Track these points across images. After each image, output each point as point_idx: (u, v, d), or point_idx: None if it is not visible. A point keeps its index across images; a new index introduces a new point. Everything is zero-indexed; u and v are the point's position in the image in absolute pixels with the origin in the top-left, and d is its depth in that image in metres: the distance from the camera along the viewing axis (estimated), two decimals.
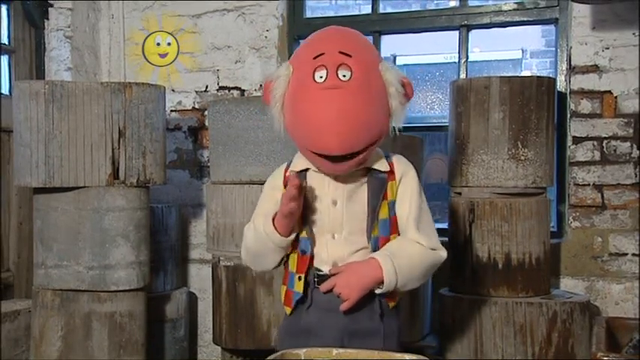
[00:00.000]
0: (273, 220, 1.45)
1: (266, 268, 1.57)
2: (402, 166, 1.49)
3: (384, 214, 1.45)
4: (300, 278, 1.48)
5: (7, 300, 2.69)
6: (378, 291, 1.44)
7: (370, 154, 1.42)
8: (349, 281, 1.42)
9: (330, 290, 1.44)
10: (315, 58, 1.37)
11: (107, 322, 2.31)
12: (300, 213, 1.46)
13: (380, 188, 1.45)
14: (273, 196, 1.52)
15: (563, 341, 2.19)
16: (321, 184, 1.47)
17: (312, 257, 1.48)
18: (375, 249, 1.45)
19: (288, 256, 1.53)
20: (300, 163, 1.49)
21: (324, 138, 1.35)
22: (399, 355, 1.30)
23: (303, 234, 1.48)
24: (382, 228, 1.46)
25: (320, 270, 1.48)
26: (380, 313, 1.48)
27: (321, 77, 1.35)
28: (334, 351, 1.31)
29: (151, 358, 2.54)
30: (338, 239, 1.46)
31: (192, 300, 3.07)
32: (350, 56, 1.36)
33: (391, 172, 1.47)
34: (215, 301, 2.52)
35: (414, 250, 1.45)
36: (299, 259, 1.49)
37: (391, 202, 1.46)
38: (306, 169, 1.48)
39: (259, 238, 1.49)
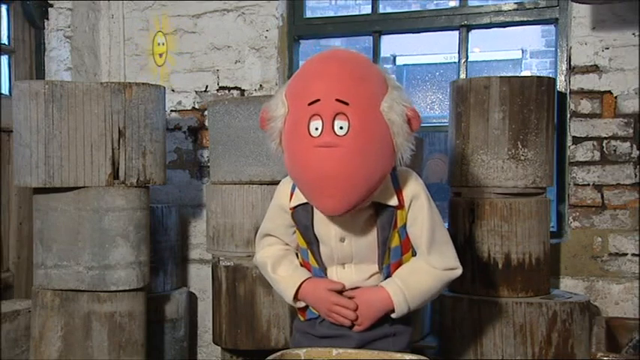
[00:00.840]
0: (300, 285, 1.49)
1: None
2: (410, 190, 1.44)
3: (395, 242, 1.45)
4: None
5: (7, 300, 2.69)
6: (392, 315, 1.47)
7: (373, 196, 1.37)
8: (361, 312, 1.45)
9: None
10: (310, 104, 1.28)
11: (107, 323, 2.30)
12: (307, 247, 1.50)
13: (389, 221, 1.42)
14: (281, 215, 1.53)
15: (562, 341, 2.19)
16: (327, 220, 1.44)
17: None
18: (388, 275, 1.47)
19: None
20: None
21: (320, 199, 1.31)
22: (398, 355, 1.30)
23: (315, 264, 1.50)
24: (394, 255, 1.47)
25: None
26: (391, 322, 1.50)
27: (316, 129, 1.27)
28: (334, 351, 1.32)
29: (150, 359, 2.54)
30: (348, 269, 1.48)
31: (192, 300, 3.07)
32: (347, 104, 1.26)
33: (400, 203, 1.43)
34: (215, 301, 2.52)
35: (426, 275, 1.45)
36: None
37: (401, 227, 1.45)
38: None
39: (272, 283, 1.56)
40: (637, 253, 2.54)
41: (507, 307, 2.20)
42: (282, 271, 1.53)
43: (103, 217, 2.28)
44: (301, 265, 1.55)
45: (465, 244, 2.30)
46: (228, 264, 2.44)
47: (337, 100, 1.26)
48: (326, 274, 1.50)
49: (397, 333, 1.51)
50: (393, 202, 1.41)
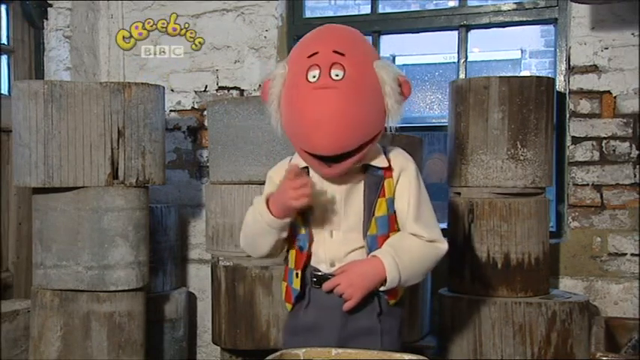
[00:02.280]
0: (268, 201, 1.46)
1: (261, 253, 1.55)
2: (400, 162, 1.48)
3: (381, 211, 1.45)
4: (297, 275, 1.49)
5: (6, 300, 2.69)
6: (381, 288, 1.45)
7: (366, 154, 1.41)
8: (352, 281, 1.43)
9: (331, 290, 1.45)
10: (309, 57, 1.37)
11: (106, 322, 2.30)
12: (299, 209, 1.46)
13: (377, 185, 1.45)
14: (274, 183, 1.53)
15: (562, 341, 2.19)
16: (320, 182, 1.47)
17: (309, 255, 1.49)
18: (373, 248, 1.46)
19: (288, 251, 1.54)
20: (299, 161, 1.49)
21: (316, 138, 1.35)
22: (398, 355, 1.30)
23: (302, 230, 1.49)
24: (380, 226, 1.46)
25: (317, 270, 1.49)
26: (378, 311, 1.48)
27: (314, 77, 1.35)
28: (333, 351, 1.31)
29: (150, 359, 2.54)
30: (336, 237, 1.47)
31: (192, 300, 3.07)
32: (343, 55, 1.36)
33: (389, 168, 1.46)
34: (214, 301, 2.52)
35: (414, 244, 1.45)
36: (297, 256, 1.50)
37: (389, 199, 1.46)
38: (306, 167, 1.48)
39: (255, 218, 1.50)
40: (636, 253, 2.54)
41: (507, 307, 2.20)
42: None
43: (103, 217, 2.28)
44: (289, 237, 1.52)
45: (464, 244, 2.30)
46: (228, 264, 2.44)
47: (334, 51, 1.36)
48: (311, 244, 1.48)
49: (384, 331, 1.49)
50: (383, 163, 1.46)
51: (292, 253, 1.51)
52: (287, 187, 1.40)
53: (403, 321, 1.57)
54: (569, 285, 2.60)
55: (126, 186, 2.32)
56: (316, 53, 1.36)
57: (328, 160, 1.38)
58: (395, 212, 1.47)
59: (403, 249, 1.44)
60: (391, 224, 1.47)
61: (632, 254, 2.55)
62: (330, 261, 1.47)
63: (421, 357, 1.27)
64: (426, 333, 2.59)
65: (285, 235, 1.49)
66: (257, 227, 1.50)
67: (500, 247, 2.26)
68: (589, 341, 2.14)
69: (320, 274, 1.48)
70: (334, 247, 1.47)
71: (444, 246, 1.48)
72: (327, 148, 1.35)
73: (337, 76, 1.34)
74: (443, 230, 1.55)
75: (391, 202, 1.46)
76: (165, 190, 3.09)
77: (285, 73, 1.43)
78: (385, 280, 1.43)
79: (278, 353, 1.29)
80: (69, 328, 2.30)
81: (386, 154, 1.48)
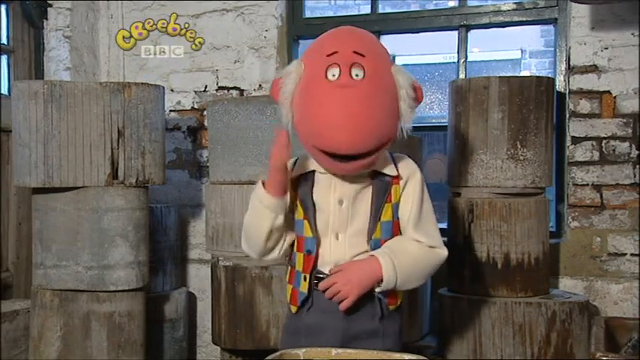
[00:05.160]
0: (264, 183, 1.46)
1: (258, 245, 1.52)
2: (407, 169, 1.49)
3: (387, 216, 1.47)
4: (305, 278, 1.49)
5: (6, 300, 2.69)
6: (377, 289, 1.46)
7: (378, 158, 1.42)
8: (349, 279, 1.43)
9: (328, 289, 1.46)
10: (328, 55, 1.37)
11: (106, 322, 2.30)
12: (307, 212, 1.47)
13: (384, 191, 1.46)
14: None
15: (562, 341, 2.19)
16: (328, 185, 1.47)
17: (317, 257, 1.49)
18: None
19: (294, 254, 1.53)
20: (306, 164, 1.50)
21: (335, 137, 1.34)
22: (398, 355, 1.30)
23: (309, 233, 1.49)
24: (385, 230, 1.47)
25: (321, 272, 1.49)
26: (380, 315, 1.49)
27: (333, 75, 1.35)
28: (333, 351, 1.32)
29: (149, 358, 2.54)
30: (341, 240, 1.47)
31: (191, 300, 3.07)
32: (363, 56, 1.36)
33: (396, 176, 1.47)
34: (214, 301, 2.52)
35: (412, 247, 1.47)
36: (305, 259, 1.50)
37: (395, 204, 1.47)
38: (313, 171, 1.49)
39: (252, 206, 1.50)
40: (636, 253, 2.54)
41: (506, 307, 2.20)
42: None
43: (102, 217, 2.28)
44: (295, 243, 1.52)
45: (464, 244, 2.31)
46: (228, 264, 2.44)
47: (354, 51, 1.36)
48: (318, 247, 1.48)
49: (386, 333, 1.50)
50: (392, 172, 1.47)
51: (300, 256, 1.51)
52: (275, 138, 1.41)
53: (402, 325, 1.58)
54: (569, 285, 2.60)
55: (126, 186, 2.32)
56: (336, 52, 1.37)
57: (341, 158, 1.37)
58: (398, 218, 1.48)
59: (401, 251, 1.45)
60: (394, 229, 1.48)
61: (632, 254, 2.55)
62: (334, 263, 1.48)
63: (421, 357, 1.27)
64: (426, 333, 2.59)
65: (280, 222, 1.46)
66: (252, 213, 1.50)
67: (500, 247, 2.26)
68: (589, 341, 2.14)
69: (322, 276, 1.48)
70: (340, 249, 1.47)
71: (443, 252, 1.50)
72: (344, 146, 1.34)
73: (357, 76, 1.34)
74: (442, 230, 1.56)
75: (396, 208, 1.48)
76: (165, 190, 3.09)
77: (300, 70, 1.42)
78: (382, 280, 1.43)
79: (278, 353, 1.29)
80: (69, 328, 2.30)
81: (394, 161, 1.49)
